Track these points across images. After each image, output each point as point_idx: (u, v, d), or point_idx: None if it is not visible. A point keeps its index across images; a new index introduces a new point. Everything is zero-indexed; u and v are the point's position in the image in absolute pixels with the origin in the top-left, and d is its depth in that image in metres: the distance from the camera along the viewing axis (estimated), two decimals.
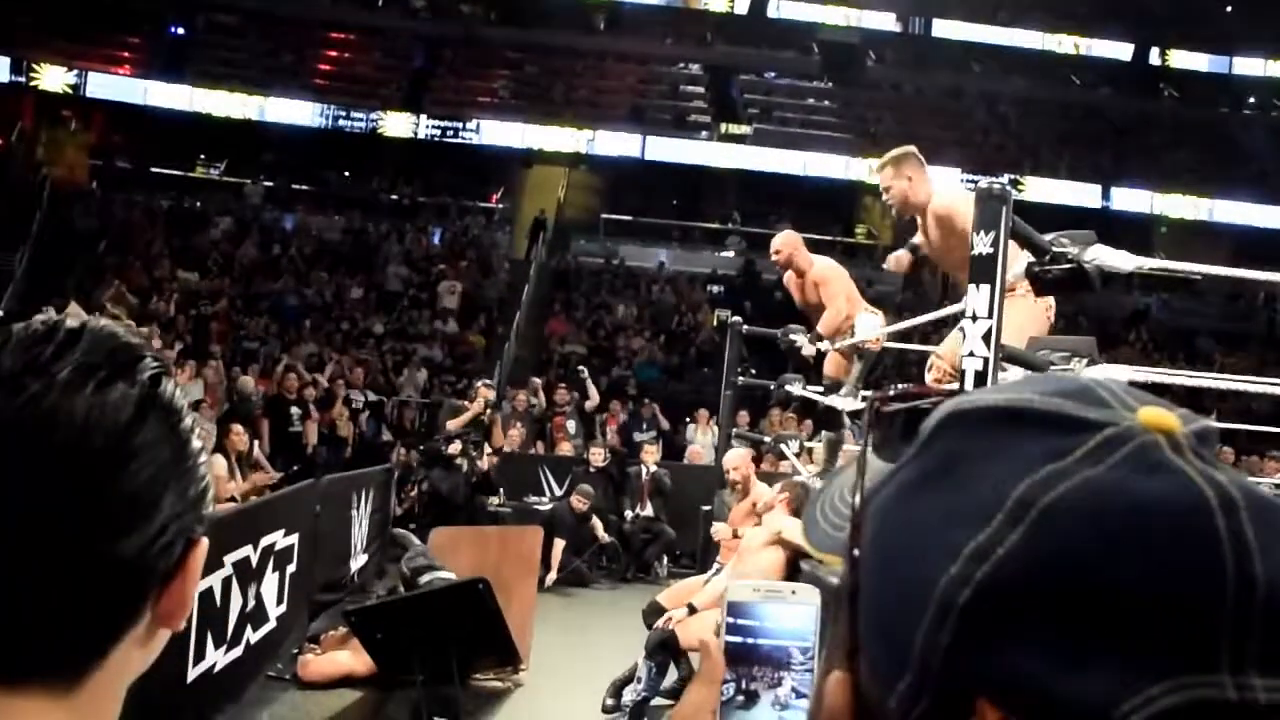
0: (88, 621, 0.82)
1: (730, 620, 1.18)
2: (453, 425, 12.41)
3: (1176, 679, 0.48)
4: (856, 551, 0.59)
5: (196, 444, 0.89)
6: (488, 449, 12.62)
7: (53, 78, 28.22)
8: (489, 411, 12.88)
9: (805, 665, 1.19)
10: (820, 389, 8.42)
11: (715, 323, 23.19)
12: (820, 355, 8.24)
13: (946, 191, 6.10)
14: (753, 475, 8.95)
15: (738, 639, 1.18)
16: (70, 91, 28.43)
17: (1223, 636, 0.48)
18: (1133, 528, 0.50)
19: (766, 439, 11.56)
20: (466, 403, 12.96)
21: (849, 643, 0.58)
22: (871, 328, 7.71)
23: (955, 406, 0.59)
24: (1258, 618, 0.48)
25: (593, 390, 16.27)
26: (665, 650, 6.97)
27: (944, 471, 0.56)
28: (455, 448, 11.82)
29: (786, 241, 8.34)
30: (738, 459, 8.88)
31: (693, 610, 6.99)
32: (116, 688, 0.86)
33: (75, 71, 28.34)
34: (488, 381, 13.79)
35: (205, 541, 0.90)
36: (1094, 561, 0.49)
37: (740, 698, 1.18)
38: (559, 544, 11.70)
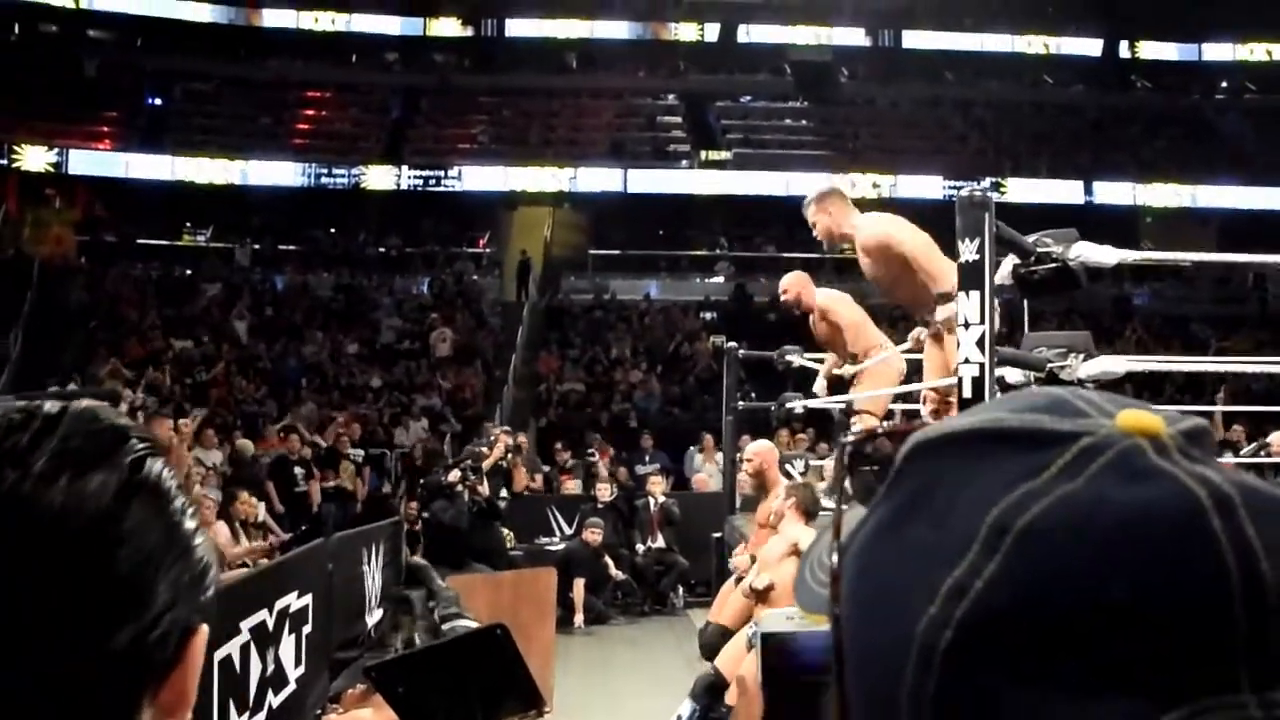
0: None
1: (766, 661, 1.14)
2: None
3: (1193, 704, 0.44)
4: (836, 609, 0.54)
5: (190, 524, 0.85)
6: (503, 490, 12.54)
7: (34, 158, 28.35)
8: (510, 456, 12.85)
9: None
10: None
11: (711, 349, 23.20)
12: (850, 379, 8.06)
13: (867, 224, 6.02)
14: (773, 470, 8.38)
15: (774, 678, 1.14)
16: (52, 170, 28.57)
17: (1238, 650, 0.44)
18: (1119, 541, 0.46)
19: None
20: (485, 449, 12.88)
21: (839, 707, 0.53)
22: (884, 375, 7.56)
23: (921, 437, 0.54)
24: (1273, 624, 0.44)
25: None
26: (712, 694, 6.57)
27: (915, 506, 0.52)
28: (454, 475, 11.51)
29: (793, 281, 8.18)
30: (754, 448, 8.51)
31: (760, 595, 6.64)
32: None
33: (56, 150, 28.47)
34: (506, 428, 13.77)
35: (205, 629, 0.86)
36: (1081, 583, 0.45)
37: None
38: (579, 583, 11.66)
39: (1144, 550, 0.45)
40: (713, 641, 7.22)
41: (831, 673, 0.56)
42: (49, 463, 0.78)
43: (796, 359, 9.32)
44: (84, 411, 0.83)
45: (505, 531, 12.30)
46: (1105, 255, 3.79)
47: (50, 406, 0.83)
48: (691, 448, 17.76)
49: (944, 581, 0.48)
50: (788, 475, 8.98)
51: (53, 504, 0.77)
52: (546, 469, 16.35)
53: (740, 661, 5.93)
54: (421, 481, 12.50)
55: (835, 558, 0.55)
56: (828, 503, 6.88)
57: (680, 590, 12.84)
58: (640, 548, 12.88)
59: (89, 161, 29.09)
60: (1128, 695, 0.44)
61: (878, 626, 0.51)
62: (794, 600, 0.70)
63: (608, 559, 12.20)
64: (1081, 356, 3.97)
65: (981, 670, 0.46)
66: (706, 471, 15.75)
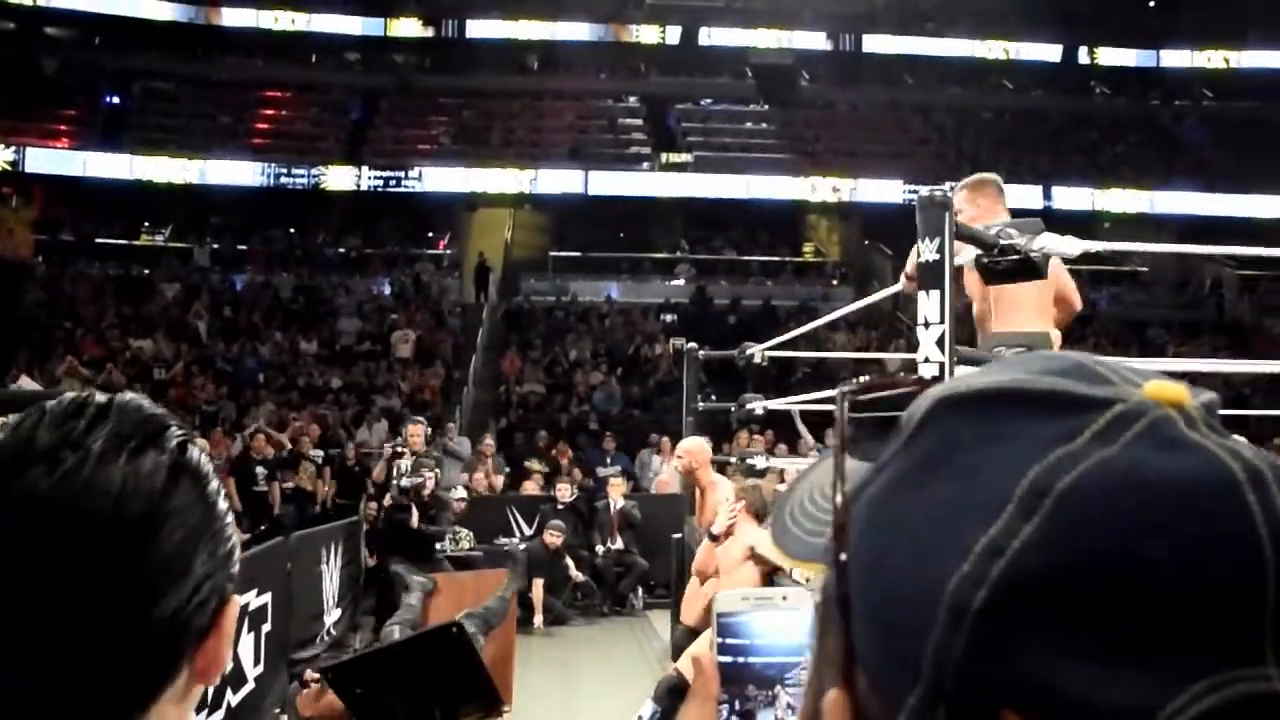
0: (129, 680, 0.86)
1: (721, 640, 1.15)
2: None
3: (1220, 674, 0.44)
4: (844, 556, 0.54)
5: (223, 505, 0.94)
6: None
7: None
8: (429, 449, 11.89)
9: (800, 680, 1.15)
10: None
11: (671, 351, 23.23)
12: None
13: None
14: (704, 468, 8.11)
15: (730, 658, 1.14)
16: (9, 168, 28.24)
17: (1265, 623, 0.45)
18: (1158, 510, 0.46)
19: (732, 459, 11.58)
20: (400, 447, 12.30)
21: (844, 657, 0.53)
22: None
23: (944, 393, 0.54)
24: None
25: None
26: (675, 696, 6.51)
27: (939, 463, 0.52)
28: (405, 484, 10.89)
29: (689, 450, 8.02)
30: (685, 446, 8.27)
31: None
32: None
33: (13, 148, 28.14)
34: (416, 418, 12.94)
35: (237, 599, 0.94)
36: (1119, 550, 0.46)
37: (735, 718, 1.15)
38: (537, 583, 11.63)
39: (1181, 520, 0.45)
40: (681, 643, 7.23)
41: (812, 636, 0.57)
42: (106, 445, 0.87)
43: (759, 407, 9.31)
44: (130, 401, 0.93)
45: (464, 531, 12.18)
46: (1069, 246, 3.84)
47: (99, 397, 0.92)
48: (644, 450, 17.80)
49: (977, 540, 0.48)
50: (751, 470, 8.96)
51: (111, 483, 0.85)
52: (506, 470, 16.31)
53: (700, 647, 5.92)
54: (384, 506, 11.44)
55: (840, 499, 0.55)
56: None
57: (640, 591, 12.84)
58: (600, 549, 12.86)
59: (47, 160, 28.78)
60: (1158, 663, 0.44)
61: (900, 579, 0.50)
62: (778, 550, 0.70)
63: (568, 560, 12.19)
64: None
65: (1014, 633, 0.46)
66: (665, 473, 15.79)
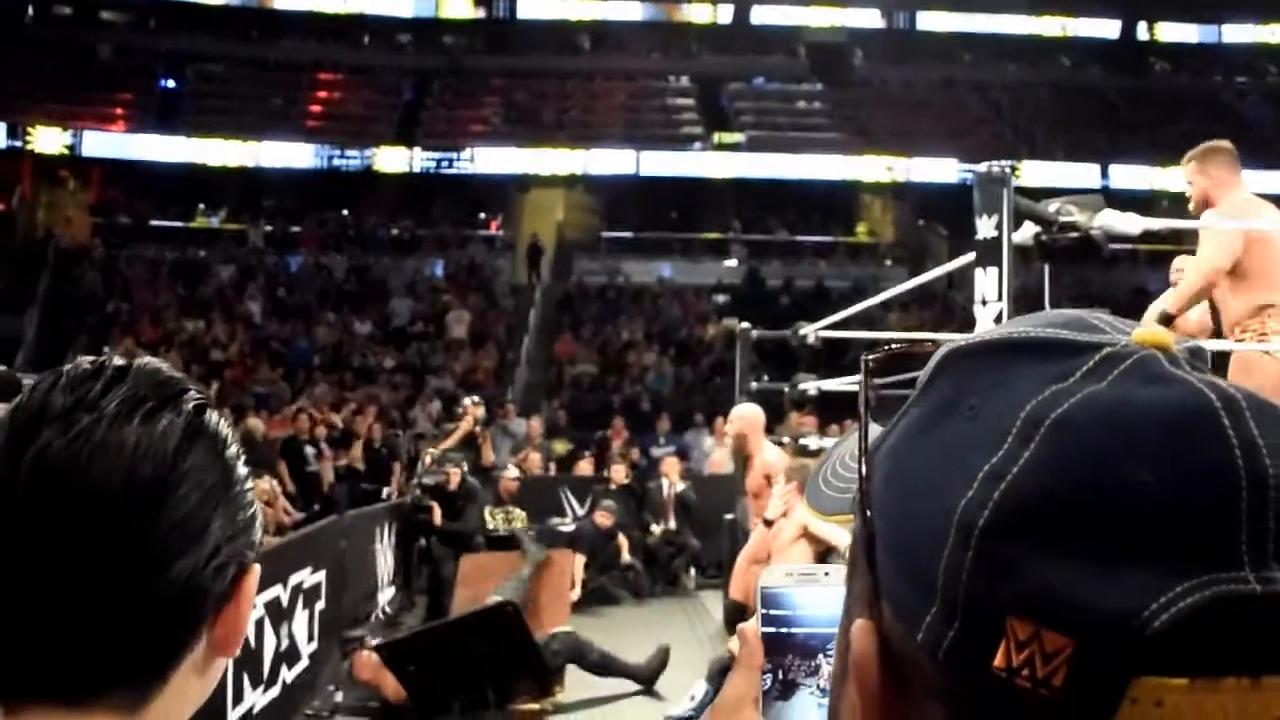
0: (146, 643, 0.86)
1: (764, 611, 1.17)
2: (442, 446, 11.77)
3: (1201, 577, 0.49)
4: (868, 505, 0.59)
5: (243, 470, 0.94)
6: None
7: (48, 140, 28.38)
8: (479, 429, 12.21)
9: None
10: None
11: (723, 332, 23.18)
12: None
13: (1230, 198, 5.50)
14: (755, 434, 7.98)
15: (773, 629, 1.17)
16: (67, 152, 28.61)
17: (1241, 533, 0.49)
18: (1141, 434, 0.51)
19: (785, 440, 11.52)
20: (454, 423, 12.53)
21: (870, 590, 0.58)
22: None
23: (952, 347, 0.60)
24: (1272, 512, 0.50)
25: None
26: (726, 675, 6.63)
27: (950, 407, 0.57)
28: (454, 480, 10.78)
29: (742, 416, 7.91)
30: (737, 412, 8.11)
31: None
32: (177, 715, 0.90)
33: (70, 132, 28.49)
34: (475, 399, 13.00)
35: (257, 568, 0.94)
36: (1107, 470, 0.51)
37: (778, 688, 1.17)
38: (578, 559, 11.65)
39: (1162, 442, 0.51)
40: (731, 617, 7.23)
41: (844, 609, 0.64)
42: (120, 406, 0.87)
43: (812, 388, 9.27)
44: (148, 364, 0.93)
45: (517, 511, 12.20)
46: (1130, 224, 3.77)
47: (117, 360, 0.92)
48: (690, 431, 17.80)
49: (980, 469, 0.53)
50: (803, 450, 8.92)
51: (125, 444, 0.86)
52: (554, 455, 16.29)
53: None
54: (425, 483, 11.40)
55: (864, 466, 0.60)
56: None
57: (692, 571, 12.84)
58: (654, 529, 12.86)
59: (103, 143, 29.12)
60: (1143, 568, 0.49)
61: (916, 510, 0.56)
62: (811, 508, 0.76)
63: (620, 539, 12.18)
64: None
65: (1014, 547, 0.51)
66: (717, 453, 15.75)
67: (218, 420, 0.93)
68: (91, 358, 0.93)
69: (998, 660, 0.51)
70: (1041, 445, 0.52)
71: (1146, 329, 0.57)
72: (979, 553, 0.52)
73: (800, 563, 6.38)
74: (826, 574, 1.18)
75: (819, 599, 1.17)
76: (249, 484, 0.94)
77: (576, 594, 11.41)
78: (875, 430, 0.62)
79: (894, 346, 0.70)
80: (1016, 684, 0.50)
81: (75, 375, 0.89)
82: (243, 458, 0.95)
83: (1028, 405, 0.54)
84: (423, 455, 11.62)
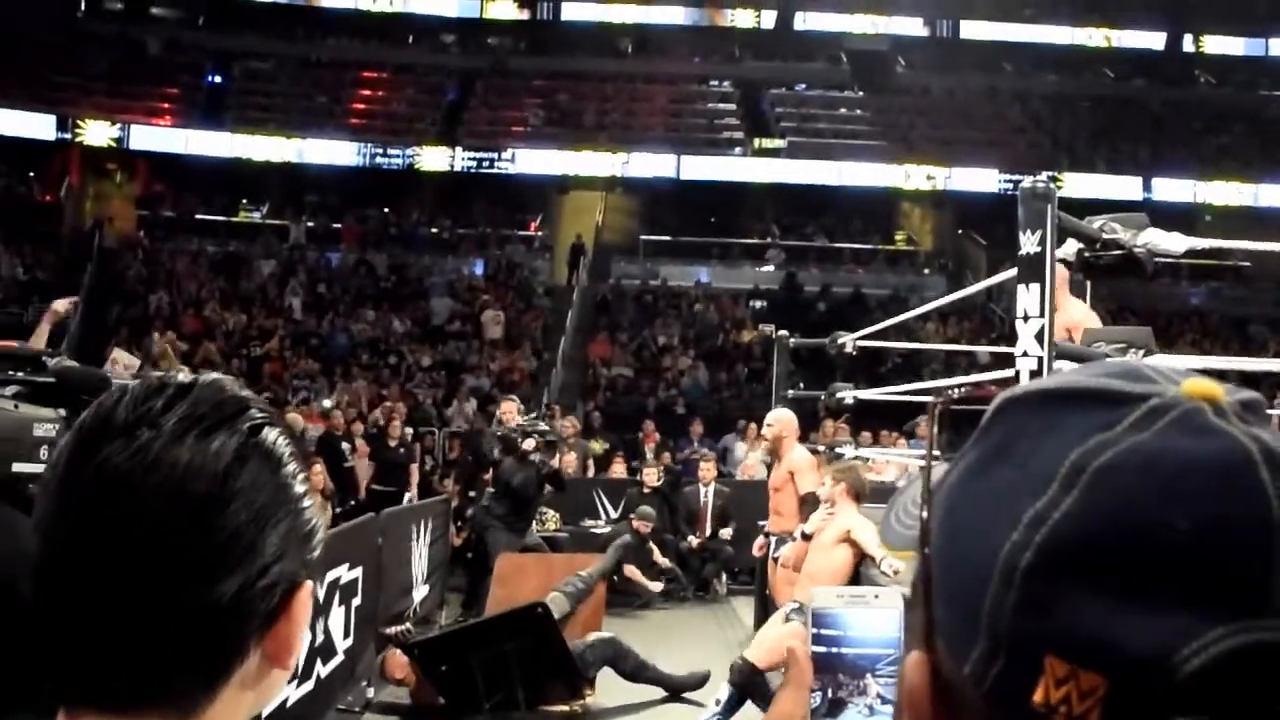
0: (195, 658, 0.88)
1: (815, 631, 1.20)
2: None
3: (1233, 624, 0.51)
4: (927, 544, 0.62)
5: (301, 488, 0.95)
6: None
7: (96, 133, 28.65)
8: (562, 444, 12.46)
9: (891, 670, 1.20)
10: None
11: (760, 338, 23.16)
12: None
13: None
14: (790, 438, 8.44)
15: (823, 649, 1.19)
16: (114, 145, 28.85)
17: (1273, 582, 0.51)
18: (1179, 484, 0.53)
19: (820, 449, 11.50)
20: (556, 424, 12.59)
21: (926, 625, 0.61)
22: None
23: (1010, 394, 0.63)
24: None
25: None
26: (747, 679, 6.43)
27: (1002, 452, 0.60)
28: (531, 444, 10.71)
29: (779, 419, 8.15)
30: (775, 415, 8.52)
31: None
32: None
33: (118, 125, 28.74)
34: (509, 396, 13.11)
35: (309, 584, 0.95)
36: (1146, 518, 0.53)
37: (827, 705, 1.20)
38: (632, 570, 11.66)
39: (1201, 492, 0.53)
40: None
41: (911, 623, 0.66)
42: (178, 424, 0.90)
43: (849, 397, 9.30)
44: (212, 382, 0.95)
45: (551, 512, 12.28)
46: (1174, 243, 3.75)
47: (182, 377, 0.94)
48: (727, 435, 17.79)
49: (1026, 512, 0.56)
50: (838, 459, 8.94)
51: (179, 461, 0.88)
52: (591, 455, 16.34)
53: (773, 643, 5.90)
54: (500, 434, 11.29)
55: (925, 508, 0.64)
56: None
57: (724, 577, 12.83)
58: (693, 540, 12.80)
59: (150, 137, 29.35)
60: (1177, 613, 0.51)
61: (966, 551, 0.59)
62: (882, 542, 0.81)
63: (653, 547, 12.16)
64: (1141, 352, 3.93)
65: (1054, 589, 0.54)
66: (751, 459, 15.73)
67: (275, 438, 0.94)
68: (159, 373, 0.96)
69: (1037, 696, 0.54)
70: (1083, 492, 0.55)
71: (1196, 381, 0.59)
72: (1021, 593, 0.55)
73: (838, 565, 6.41)
74: (876, 596, 1.21)
75: (868, 620, 1.20)
76: (306, 501, 0.95)
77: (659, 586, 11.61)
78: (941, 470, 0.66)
79: (965, 391, 0.73)
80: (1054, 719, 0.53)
81: (140, 391, 0.92)
82: (301, 475, 0.96)
83: (1073, 453, 0.56)
84: (504, 415, 11.42)
